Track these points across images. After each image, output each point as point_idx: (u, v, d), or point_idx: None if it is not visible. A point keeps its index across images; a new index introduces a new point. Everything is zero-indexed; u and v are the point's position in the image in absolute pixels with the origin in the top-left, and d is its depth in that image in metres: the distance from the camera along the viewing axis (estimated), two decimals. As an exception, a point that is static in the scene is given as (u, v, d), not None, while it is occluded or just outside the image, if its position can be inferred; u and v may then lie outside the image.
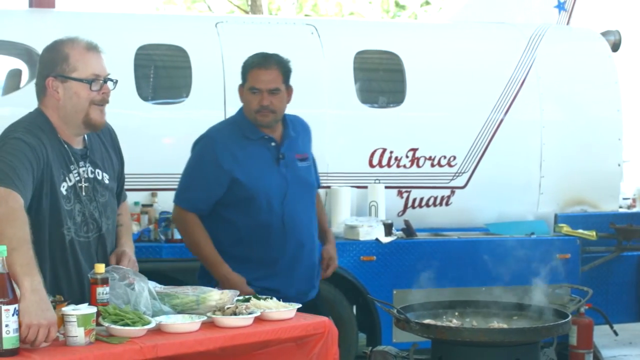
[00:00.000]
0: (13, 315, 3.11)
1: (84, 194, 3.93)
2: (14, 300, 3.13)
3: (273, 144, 4.89)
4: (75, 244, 3.89)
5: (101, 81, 3.89)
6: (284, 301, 4.78)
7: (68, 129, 3.93)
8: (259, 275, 4.86)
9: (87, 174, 3.96)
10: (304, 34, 7.48)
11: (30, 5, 8.61)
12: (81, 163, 3.94)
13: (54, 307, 3.50)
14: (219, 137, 4.94)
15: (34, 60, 6.92)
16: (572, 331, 6.97)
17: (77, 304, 3.48)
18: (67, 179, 3.88)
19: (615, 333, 7.35)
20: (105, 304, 3.53)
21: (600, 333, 7.75)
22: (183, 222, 4.97)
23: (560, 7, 8.28)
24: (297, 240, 4.88)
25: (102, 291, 3.56)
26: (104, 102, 3.92)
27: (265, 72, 4.85)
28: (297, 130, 5.02)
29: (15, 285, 3.21)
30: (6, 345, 3.10)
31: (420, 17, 21.78)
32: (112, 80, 3.95)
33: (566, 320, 4.52)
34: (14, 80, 7.33)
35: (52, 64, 3.89)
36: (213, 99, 7.02)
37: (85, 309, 3.35)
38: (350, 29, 8.12)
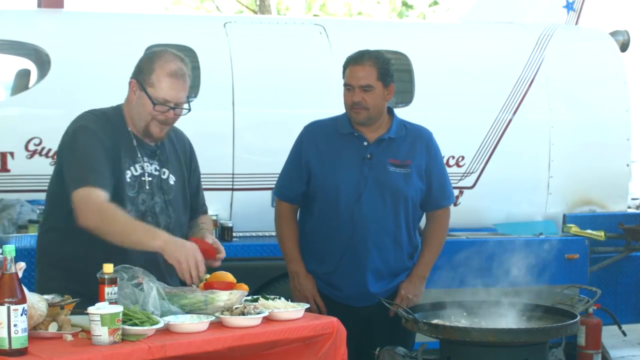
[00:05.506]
0: (22, 315, 3.11)
1: (147, 187, 4.14)
2: (23, 300, 3.13)
3: (365, 143, 4.89)
4: None
5: (168, 107, 4.10)
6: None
7: (136, 126, 4.17)
8: (326, 270, 4.95)
9: (152, 170, 4.18)
10: (312, 33, 7.49)
11: (39, 5, 8.62)
12: (146, 159, 4.16)
13: (62, 308, 3.52)
14: (311, 128, 5.05)
15: (42, 60, 6.94)
16: (580, 331, 6.97)
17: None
18: (132, 168, 4.11)
19: (624, 333, 7.33)
20: (113, 304, 3.53)
21: (609, 334, 7.74)
22: (275, 211, 5.12)
23: (569, 7, 8.27)
24: (365, 243, 4.86)
25: (110, 291, 3.56)
26: (166, 122, 4.14)
27: (358, 69, 4.85)
28: (404, 135, 4.94)
29: (24, 286, 3.23)
30: (15, 345, 3.11)
31: (429, 17, 21.77)
32: (185, 108, 4.16)
33: (574, 320, 4.52)
34: (22, 80, 7.35)
35: (140, 69, 4.16)
36: (221, 99, 7.02)
37: (109, 308, 3.36)
38: (359, 29, 8.11)
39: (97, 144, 4.01)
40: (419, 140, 4.99)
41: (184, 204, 4.32)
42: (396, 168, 4.89)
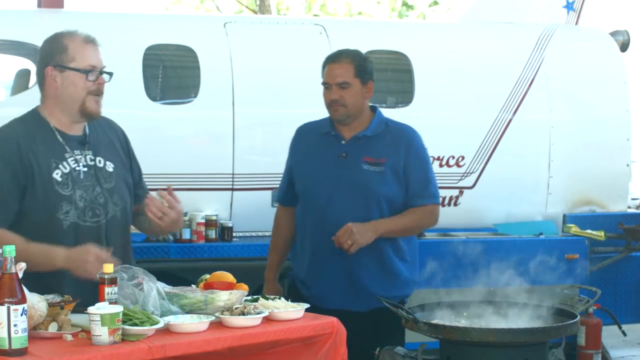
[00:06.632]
0: (22, 315, 3.11)
1: (84, 179, 4.05)
2: (23, 300, 3.13)
3: (343, 142, 4.90)
4: (78, 229, 4.01)
5: (97, 72, 4.06)
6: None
7: (65, 117, 4.09)
8: (301, 268, 4.99)
9: (87, 160, 4.09)
10: (312, 34, 7.48)
11: (39, 6, 8.62)
12: (77, 151, 4.08)
13: (62, 308, 3.52)
14: (299, 129, 5.14)
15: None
16: (580, 331, 6.96)
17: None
18: (61, 166, 4.01)
19: (624, 333, 7.33)
20: (113, 304, 3.53)
21: (609, 334, 7.73)
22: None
23: (569, 7, 8.26)
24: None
25: (110, 291, 3.56)
26: (99, 92, 4.08)
27: (335, 66, 4.88)
28: (382, 133, 4.90)
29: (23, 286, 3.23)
30: (15, 345, 3.11)
31: (429, 17, 21.77)
32: (107, 73, 4.13)
33: (574, 320, 4.52)
34: (22, 80, 7.35)
35: (51, 54, 4.06)
36: (221, 99, 7.01)
37: (109, 308, 3.35)
38: (359, 29, 8.12)
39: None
40: (400, 139, 4.92)
41: (128, 190, 4.25)
42: (370, 166, 4.85)
